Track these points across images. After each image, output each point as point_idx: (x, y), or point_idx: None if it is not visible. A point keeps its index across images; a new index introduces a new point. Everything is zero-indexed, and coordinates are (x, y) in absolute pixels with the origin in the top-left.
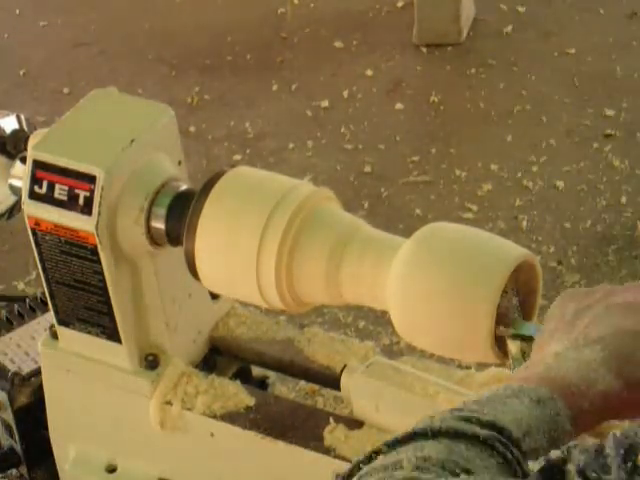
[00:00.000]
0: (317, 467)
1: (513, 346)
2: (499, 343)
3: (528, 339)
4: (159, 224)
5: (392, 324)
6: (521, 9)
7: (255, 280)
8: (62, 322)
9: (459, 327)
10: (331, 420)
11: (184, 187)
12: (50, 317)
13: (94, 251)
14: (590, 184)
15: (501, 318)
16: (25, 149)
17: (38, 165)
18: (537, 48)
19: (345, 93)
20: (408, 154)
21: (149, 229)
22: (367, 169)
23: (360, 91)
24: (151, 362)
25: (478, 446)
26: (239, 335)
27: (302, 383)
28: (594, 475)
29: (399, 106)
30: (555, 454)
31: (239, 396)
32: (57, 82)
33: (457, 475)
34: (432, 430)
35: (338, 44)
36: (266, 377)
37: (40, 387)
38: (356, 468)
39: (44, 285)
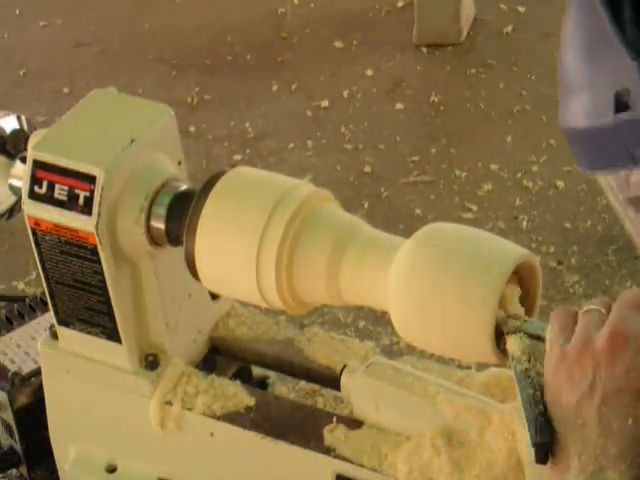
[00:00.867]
0: (317, 467)
1: (513, 346)
2: (499, 343)
3: (535, 338)
4: (159, 224)
5: (392, 324)
6: (521, 9)
7: (255, 280)
8: (62, 322)
9: (459, 327)
10: (331, 420)
11: (184, 187)
12: (50, 317)
13: (94, 251)
14: (590, 184)
15: (502, 319)
16: (25, 149)
17: (38, 165)
18: (537, 48)
19: (345, 93)
20: (408, 154)
21: (149, 229)
22: (367, 169)
23: (360, 91)
24: (151, 362)
25: None
26: (239, 335)
27: (302, 383)
28: None
29: (399, 106)
30: None
31: (239, 396)
32: (57, 82)
33: None
34: None
35: (338, 44)
36: (266, 377)
37: (40, 387)
38: None
39: (44, 285)
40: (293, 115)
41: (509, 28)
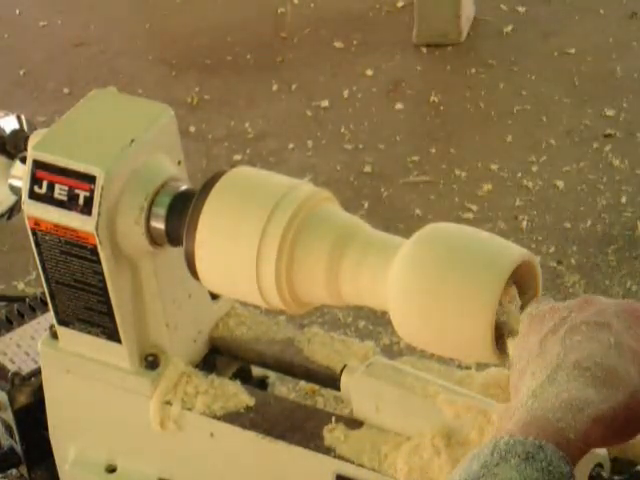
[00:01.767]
0: (317, 467)
1: (513, 346)
2: (499, 343)
3: None
4: (159, 224)
5: (392, 324)
6: (521, 9)
7: (255, 280)
8: (62, 322)
9: (459, 327)
10: (331, 420)
11: (184, 187)
12: (50, 317)
13: (94, 251)
14: (590, 184)
15: (502, 319)
16: (25, 149)
17: (38, 165)
18: (537, 48)
19: (345, 93)
20: (408, 154)
21: (149, 229)
22: (367, 169)
23: (360, 91)
24: (151, 362)
25: None
26: (239, 335)
27: (302, 383)
28: None
29: (399, 106)
30: None
31: (239, 396)
32: (57, 82)
33: None
34: None
35: (338, 44)
36: (266, 377)
37: (40, 387)
38: None
39: (44, 285)
40: (293, 115)
41: (509, 28)
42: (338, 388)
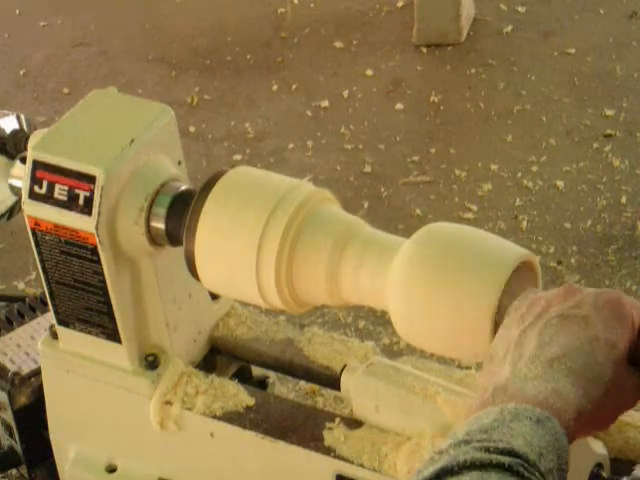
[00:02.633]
0: (317, 467)
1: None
2: None
3: None
4: (159, 224)
5: (392, 324)
6: (521, 9)
7: (255, 280)
8: (62, 322)
9: (459, 327)
10: (331, 420)
11: (184, 187)
12: (50, 317)
13: (94, 251)
14: (590, 184)
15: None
16: (25, 149)
17: (38, 165)
18: (537, 48)
19: (345, 93)
20: (408, 154)
21: (149, 229)
22: (367, 169)
23: (360, 91)
24: (151, 362)
25: (506, 474)
26: (239, 335)
27: (302, 383)
28: None
29: (399, 106)
30: None
31: (239, 396)
32: (57, 82)
33: None
34: (458, 465)
35: (338, 44)
36: (266, 377)
37: (40, 387)
38: None
39: (44, 285)
40: (293, 115)
41: (509, 28)
42: (338, 388)
